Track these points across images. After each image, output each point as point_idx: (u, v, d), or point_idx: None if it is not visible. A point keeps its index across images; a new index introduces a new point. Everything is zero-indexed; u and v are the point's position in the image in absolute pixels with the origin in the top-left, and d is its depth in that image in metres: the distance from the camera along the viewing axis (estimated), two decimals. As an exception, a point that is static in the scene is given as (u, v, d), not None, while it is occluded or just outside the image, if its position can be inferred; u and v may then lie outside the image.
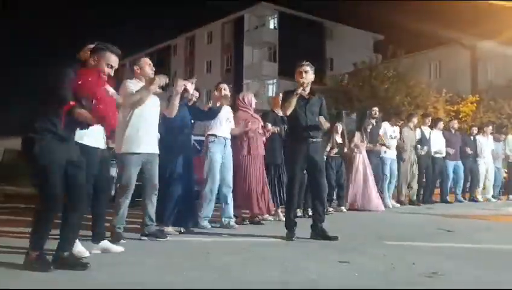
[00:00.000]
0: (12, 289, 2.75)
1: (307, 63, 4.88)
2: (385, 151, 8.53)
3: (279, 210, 6.35)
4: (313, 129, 4.73)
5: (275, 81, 35.78)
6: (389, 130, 8.69)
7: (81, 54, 3.55)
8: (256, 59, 37.38)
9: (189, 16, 63.92)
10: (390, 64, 23.16)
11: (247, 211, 5.99)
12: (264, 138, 5.98)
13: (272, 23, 37.35)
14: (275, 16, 36.79)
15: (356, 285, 2.92)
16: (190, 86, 4.90)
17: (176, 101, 4.73)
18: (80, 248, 3.60)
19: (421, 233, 5.27)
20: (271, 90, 35.69)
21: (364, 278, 3.08)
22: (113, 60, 3.45)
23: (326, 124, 4.88)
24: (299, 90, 4.64)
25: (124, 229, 4.43)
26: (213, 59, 39.60)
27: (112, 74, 3.50)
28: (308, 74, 4.78)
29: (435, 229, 5.48)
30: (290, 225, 4.72)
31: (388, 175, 8.56)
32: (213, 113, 5.28)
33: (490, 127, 10.85)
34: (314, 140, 4.74)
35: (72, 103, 3.11)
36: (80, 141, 3.56)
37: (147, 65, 4.50)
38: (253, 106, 6.05)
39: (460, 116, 20.84)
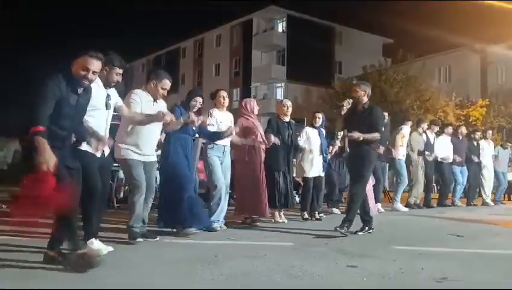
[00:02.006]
0: (22, 289, 2.77)
1: (355, 82, 5.68)
2: (403, 155, 8.52)
3: (282, 213, 6.44)
4: (352, 139, 5.23)
5: (283, 84, 35.80)
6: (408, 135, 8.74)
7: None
8: (265, 62, 37.43)
9: (198, 19, 64.15)
10: (400, 68, 23.13)
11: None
12: (263, 146, 6.00)
13: (281, 27, 37.38)
14: (284, 19, 36.82)
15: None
16: (197, 122, 4.90)
17: (178, 127, 4.77)
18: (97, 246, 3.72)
19: (431, 238, 5.23)
20: (279, 94, 35.71)
21: (372, 283, 3.06)
22: (91, 63, 3.36)
23: (371, 135, 5.21)
24: (341, 112, 5.47)
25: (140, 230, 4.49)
26: (221, 62, 39.72)
27: (93, 79, 3.44)
28: (357, 92, 5.37)
29: (445, 234, 5.43)
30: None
31: (406, 179, 8.57)
32: (220, 137, 5.39)
33: (490, 132, 10.90)
34: (353, 149, 5.34)
35: (41, 127, 3.00)
36: (78, 147, 3.63)
37: (161, 88, 4.54)
38: (256, 112, 6.09)
39: (470, 120, 20.73)
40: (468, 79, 26.99)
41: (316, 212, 6.88)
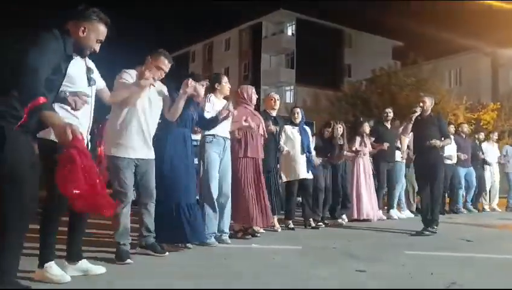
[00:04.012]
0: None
1: (424, 94, 6.37)
2: (401, 157, 8.09)
3: (275, 219, 5.79)
4: (425, 144, 5.84)
5: (292, 87, 35.81)
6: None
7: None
8: (274, 66, 37.46)
9: (208, 23, 64.43)
10: (410, 71, 23.02)
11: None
12: (262, 140, 5.37)
13: (290, 30, 37.42)
14: (293, 22, 36.86)
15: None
16: (200, 89, 4.25)
17: (181, 104, 4.05)
18: (55, 271, 2.94)
19: (441, 242, 5.19)
20: (288, 97, 35.70)
21: (381, 287, 3.05)
22: (103, 32, 2.84)
23: (445, 141, 6.01)
24: (413, 117, 5.96)
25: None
26: (231, 66, 39.82)
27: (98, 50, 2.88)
28: (425, 103, 6.05)
29: (455, 239, 5.39)
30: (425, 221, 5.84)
31: (401, 182, 8.18)
32: (217, 121, 4.56)
33: (496, 134, 10.62)
34: (427, 153, 5.87)
35: (42, 99, 2.28)
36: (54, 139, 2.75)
37: (156, 66, 3.81)
38: (254, 101, 5.38)
39: (481, 123, 20.54)
40: (479, 82, 26.75)
41: (311, 220, 6.27)
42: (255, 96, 5.40)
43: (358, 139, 7.53)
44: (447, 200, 9.50)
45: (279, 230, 5.83)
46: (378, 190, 7.76)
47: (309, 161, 6.22)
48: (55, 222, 3.00)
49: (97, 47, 2.88)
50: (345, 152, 7.18)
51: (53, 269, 2.93)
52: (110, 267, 3.41)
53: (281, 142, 6.11)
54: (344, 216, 7.19)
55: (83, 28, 2.74)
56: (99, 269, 3.22)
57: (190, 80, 4.12)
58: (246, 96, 5.33)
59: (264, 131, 5.36)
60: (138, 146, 3.76)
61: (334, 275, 3.36)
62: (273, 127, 5.67)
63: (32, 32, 2.52)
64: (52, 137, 2.73)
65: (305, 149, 6.18)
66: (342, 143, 7.13)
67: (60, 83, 2.70)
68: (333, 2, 50.06)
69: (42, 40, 2.48)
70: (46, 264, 2.93)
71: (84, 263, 3.19)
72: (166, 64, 3.88)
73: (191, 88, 4.08)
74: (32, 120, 2.37)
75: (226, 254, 4.10)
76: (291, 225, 6.07)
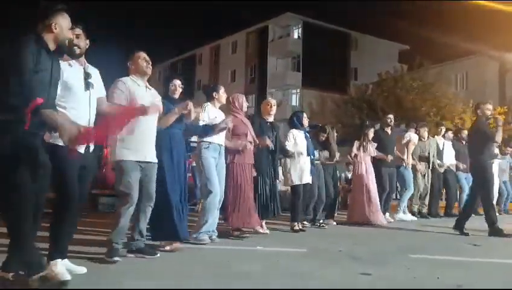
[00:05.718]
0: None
1: (489, 101, 6.56)
2: (406, 164, 8.16)
3: (263, 222, 5.77)
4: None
5: (298, 90, 35.82)
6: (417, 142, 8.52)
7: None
8: (280, 69, 37.50)
9: (215, 26, 64.59)
10: (416, 75, 22.96)
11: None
12: (252, 146, 5.51)
13: (296, 33, 37.45)
14: (299, 26, 36.89)
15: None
16: (193, 114, 4.43)
17: (172, 119, 4.26)
18: (57, 269, 2.94)
19: (447, 247, 5.16)
20: (294, 100, 35.71)
21: (386, 290, 3.04)
22: (68, 18, 2.91)
23: None
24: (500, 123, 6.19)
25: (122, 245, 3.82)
26: (237, 69, 39.90)
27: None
28: (490, 111, 6.22)
29: (461, 243, 5.36)
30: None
31: (411, 187, 8.25)
32: (213, 130, 4.85)
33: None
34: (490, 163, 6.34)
35: (39, 100, 2.48)
36: (54, 142, 2.94)
37: (140, 59, 3.98)
38: (245, 109, 5.60)
39: (488, 127, 20.42)
40: (486, 86, 26.63)
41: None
42: (245, 104, 5.62)
43: (356, 143, 7.55)
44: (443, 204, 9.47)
45: (268, 232, 5.72)
46: (380, 194, 7.72)
47: (312, 165, 6.39)
48: (64, 221, 3.04)
49: (80, 40, 3.12)
50: (337, 157, 7.28)
51: (56, 266, 2.95)
52: (112, 267, 3.44)
53: (288, 147, 6.25)
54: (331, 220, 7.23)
55: (53, 24, 2.81)
56: (80, 269, 3.19)
57: (191, 103, 4.30)
58: (237, 104, 5.55)
59: (253, 138, 5.47)
60: (143, 149, 3.83)
61: (336, 277, 3.35)
62: (269, 142, 5.71)
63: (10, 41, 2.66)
64: (57, 141, 2.89)
65: (309, 153, 6.35)
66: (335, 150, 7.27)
67: (49, 80, 2.75)
68: (340, 5, 50.10)
69: (20, 45, 2.61)
70: (51, 262, 2.97)
71: (65, 263, 3.13)
72: (146, 56, 4.02)
73: (186, 111, 4.28)
74: (35, 120, 2.50)
75: (229, 256, 4.11)
76: (297, 228, 6.09)
